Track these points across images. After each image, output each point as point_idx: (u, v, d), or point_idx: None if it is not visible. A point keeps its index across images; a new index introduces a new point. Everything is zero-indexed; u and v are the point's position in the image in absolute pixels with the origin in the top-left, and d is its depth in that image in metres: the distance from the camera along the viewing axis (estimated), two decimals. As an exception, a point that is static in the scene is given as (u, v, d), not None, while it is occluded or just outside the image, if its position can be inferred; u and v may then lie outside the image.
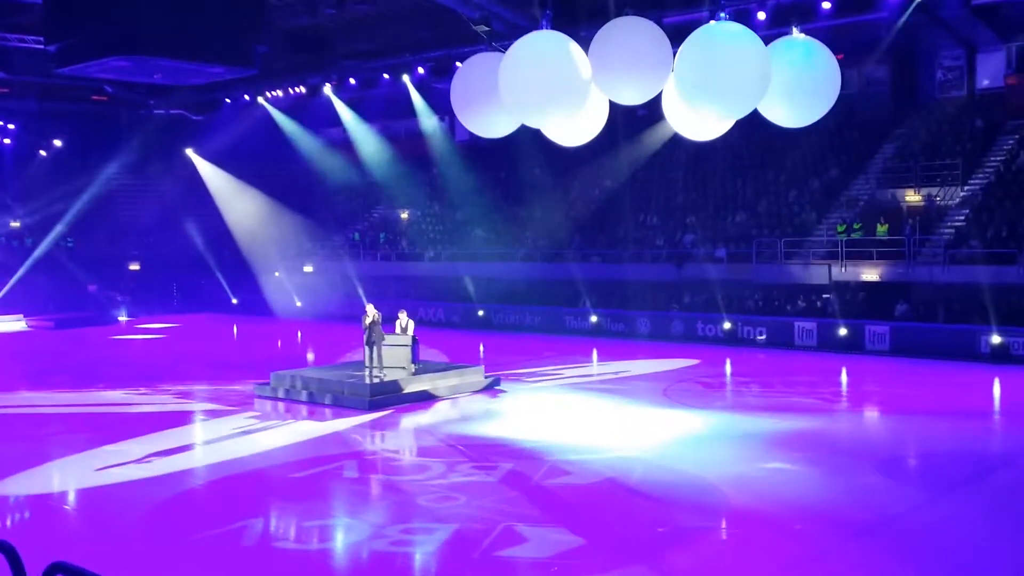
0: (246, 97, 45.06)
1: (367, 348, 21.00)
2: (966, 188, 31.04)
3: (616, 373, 25.04)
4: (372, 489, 14.01)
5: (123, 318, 42.33)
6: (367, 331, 20.91)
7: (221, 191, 47.01)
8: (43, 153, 48.66)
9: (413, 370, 21.26)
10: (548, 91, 15.40)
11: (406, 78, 40.48)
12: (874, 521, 11.76)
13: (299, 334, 36.60)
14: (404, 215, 44.75)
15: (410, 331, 21.96)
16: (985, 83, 34.28)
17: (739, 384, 23.73)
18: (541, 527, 11.69)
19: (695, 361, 26.72)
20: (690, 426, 17.80)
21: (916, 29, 32.70)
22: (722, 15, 15.01)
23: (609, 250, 35.86)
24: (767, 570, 10.25)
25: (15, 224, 47.22)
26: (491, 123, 16.99)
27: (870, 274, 29.95)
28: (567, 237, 36.86)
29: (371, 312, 20.97)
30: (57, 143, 48.50)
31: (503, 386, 22.10)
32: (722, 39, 14.48)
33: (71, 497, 13.87)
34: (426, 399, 20.37)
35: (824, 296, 29.94)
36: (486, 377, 22.12)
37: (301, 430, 18.06)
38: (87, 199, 45.31)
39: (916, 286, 29.09)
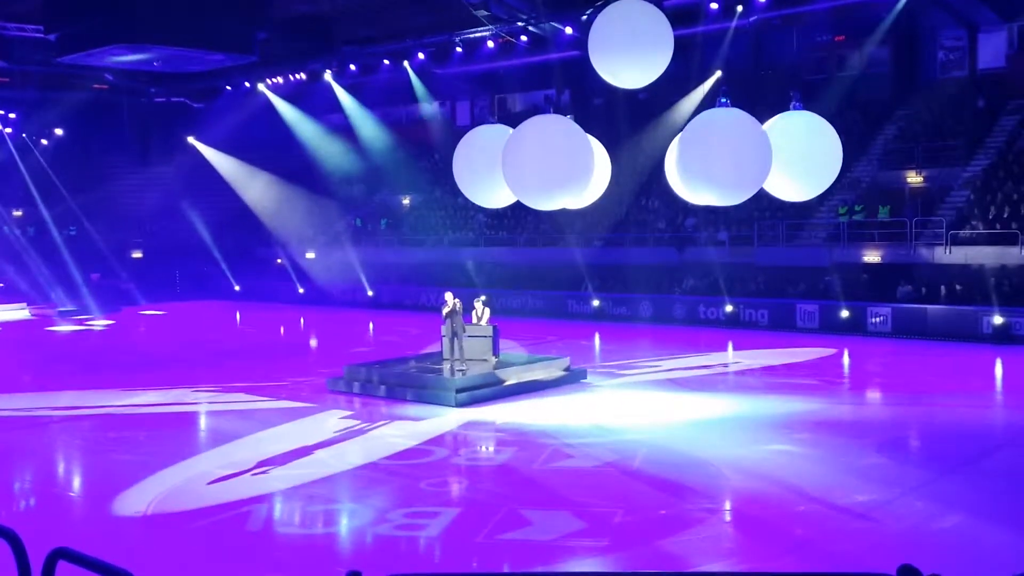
0: (246, 84, 45.08)
1: (447, 340, 19.67)
2: (968, 169, 31.00)
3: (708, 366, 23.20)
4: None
5: (66, 308, 39.46)
6: (447, 321, 19.52)
7: (231, 175, 47.01)
8: (44, 142, 48.67)
9: (495, 362, 20.07)
10: (555, 184, 15.96)
11: (406, 64, 40.45)
12: (876, 502, 11.81)
13: (302, 322, 36.64)
14: (405, 201, 44.76)
15: (485, 320, 20.68)
16: (986, 63, 34.20)
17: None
18: (543, 510, 11.76)
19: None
20: (691, 409, 17.86)
21: (917, 10, 32.66)
22: (723, 100, 15.32)
23: (611, 234, 35.87)
24: (769, 552, 10.30)
25: (17, 213, 47.29)
26: (495, 199, 17.65)
27: (872, 256, 29.96)
28: (568, 221, 36.86)
29: (451, 301, 19.50)
30: (58, 132, 48.50)
31: (588, 379, 20.68)
32: (722, 134, 14.86)
33: (205, 520, 11.71)
34: (514, 393, 18.86)
35: (826, 278, 29.96)
36: (571, 369, 20.72)
37: (410, 431, 16.34)
38: (89, 187, 45.32)
39: (918, 267, 29.12)
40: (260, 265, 45.77)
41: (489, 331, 20.38)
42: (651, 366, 22.98)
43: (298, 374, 22.62)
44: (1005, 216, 28.25)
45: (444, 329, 19.78)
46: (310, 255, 43.47)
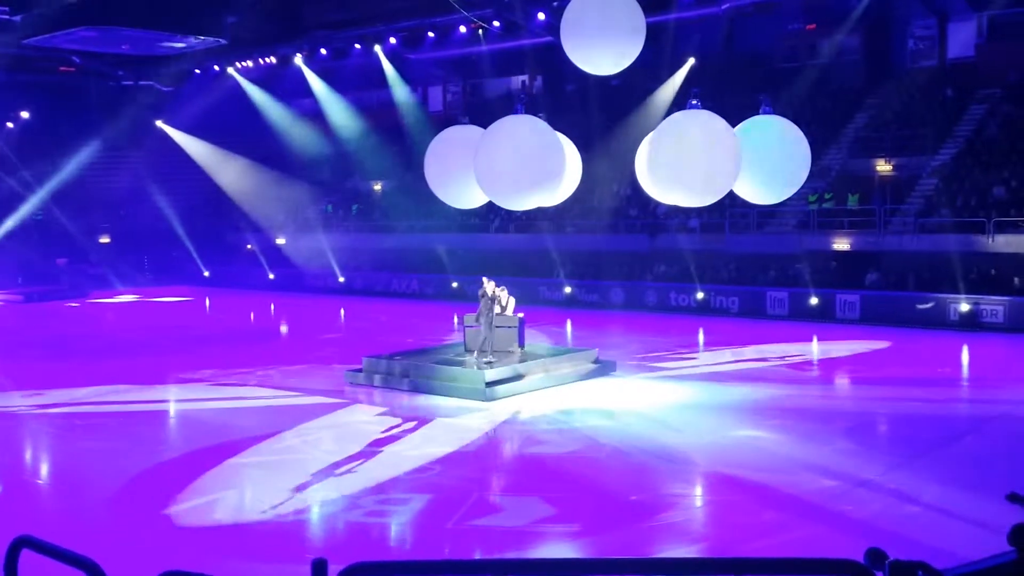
0: (216, 68, 44.59)
1: (474, 329, 18.81)
2: (936, 157, 31.25)
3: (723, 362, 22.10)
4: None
5: None
6: (482, 310, 18.57)
7: (201, 160, 46.55)
8: (10, 125, 47.95)
9: (521, 354, 19.26)
10: (528, 186, 15.99)
11: (378, 48, 40.18)
12: (843, 487, 11.93)
13: (271, 308, 36.45)
14: (377, 186, 44.54)
15: (510, 310, 19.64)
16: (956, 53, 34.45)
17: (711, 351, 23.88)
18: (516, 496, 11.79)
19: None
20: (663, 395, 17.94)
21: (888, -1, 32.83)
22: (694, 102, 15.39)
23: (583, 221, 35.89)
24: (737, 537, 10.38)
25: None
26: (468, 199, 17.60)
27: (841, 243, 30.17)
28: (540, 208, 36.79)
29: (489, 289, 18.57)
30: (24, 115, 47.80)
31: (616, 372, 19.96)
32: (695, 137, 14.96)
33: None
34: (544, 386, 18.13)
35: (796, 265, 30.14)
36: (600, 361, 19.94)
37: (453, 427, 15.64)
38: (56, 171, 44.72)
39: (886, 255, 29.34)
40: (230, 250, 45.44)
41: (515, 321, 19.52)
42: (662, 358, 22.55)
43: (305, 363, 21.85)
44: (973, 204, 28.52)
45: (470, 318, 18.82)
46: (280, 241, 43.20)
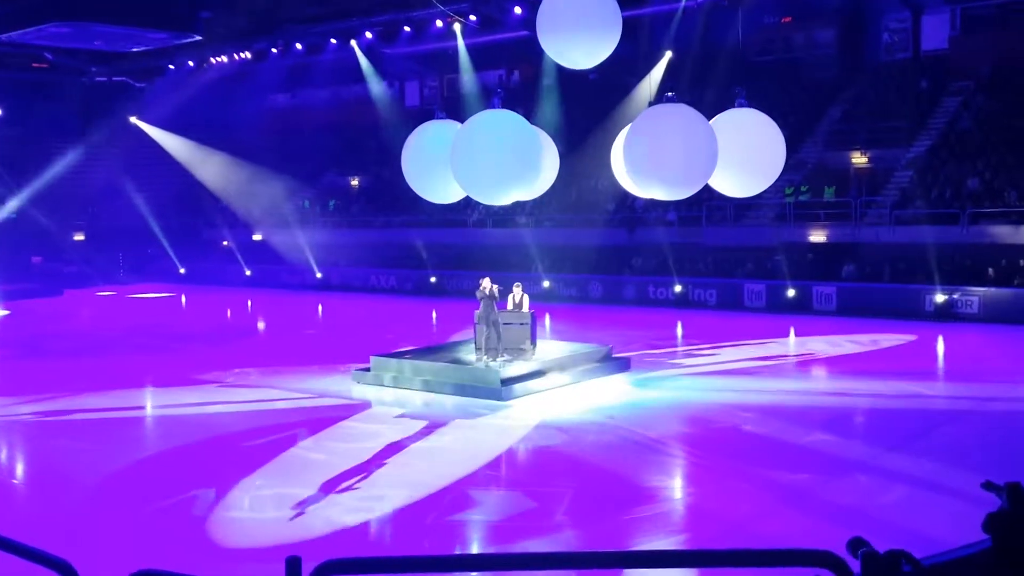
0: (190, 63, 44.24)
1: (483, 327, 18.25)
2: (911, 150, 31.45)
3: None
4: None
5: None
6: (483, 307, 18.20)
7: (176, 156, 46.21)
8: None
9: (533, 352, 18.86)
10: (506, 181, 15.94)
11: (354, 43, 39.98)
12: (821, 478, 11.99)
13: (253, 305, 36.26)
14: (354, 182, 44.37)
15: (525, 306, 19.25)
16: (930, 45, 34.67)
17: (689, 344, 23.94)
18: (494, 490, 11.77)
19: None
20: (639, 389, 17.96)
21: (863, -9, 32.99)
22: (670, 94, 15.39)
23: (561, 215, 35.89)
24: (716, 530, 10.41)
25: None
26: (445, 194, 17.51)
27: (817, 236, 30.33)
28: (518, 203, 36.76)
29: (486, 286, 18.21)
30: (-3, 112, 47.32)
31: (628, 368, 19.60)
32: (668, 130, 14.96)
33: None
34: (560, 384, 17.73)
35: (773, 258, 30.27)
36: (615, 357, 19.61)
37: (495, 428, 15.23)
38: (30, 169, 44.26)
39: (862, 247, 29.52)
40: (206, 247, 45.15)
41: (527, 318, 18.96)
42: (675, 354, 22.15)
43: (309, 364, 21.29)
44: (947, 196, 28.73)
45: (477, 316, 18.47)
46: (257, 237, 42.95)
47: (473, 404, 16.57)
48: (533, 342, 19.02)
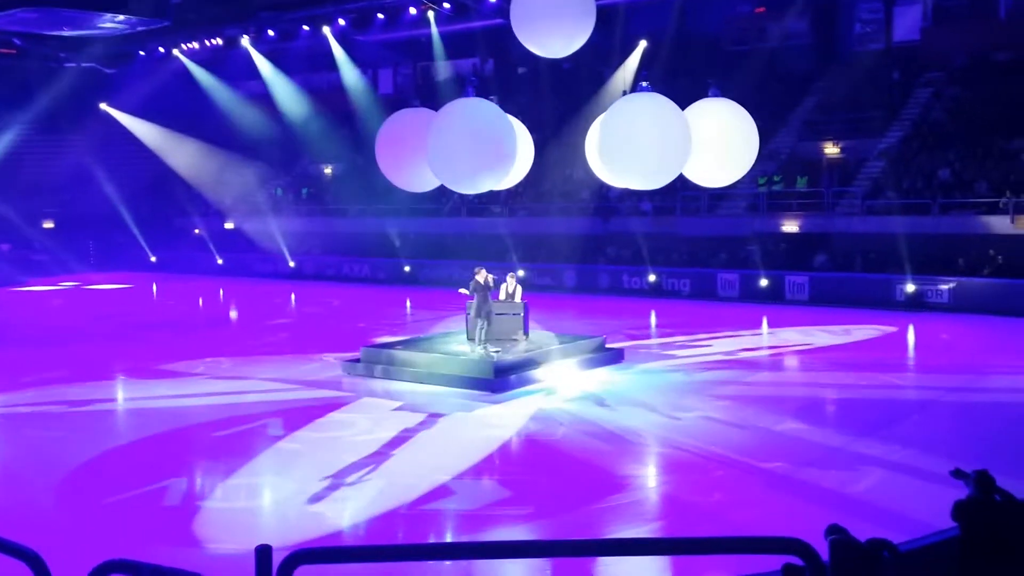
0: (161, 50, 43.73)
1: (476, 318, 18.07)
2: (883, 140, 31.65)
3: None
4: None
5: None
6: (477, 298, 18.01)
7: (147, 143, 45.74)
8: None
9: (526, 342, 18.66)
10: (480, 170, 15.84)
11: (326, 30, 39.68)
12: (793, 467, 12.05)
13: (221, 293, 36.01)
14: (328, 170, 44.11)
15: (518, 297, 19.15)
16: (902, 36, 34.86)
17: (663, 334, 24.00)
18: (469, 479, 11.75)
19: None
20: (614, 376, 17.99)
21: (836, -18, 33.10)
22: (644, 84, 15.35)
23: (535, 204, 35.86)
24: (689, 518, 10.45)
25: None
26: (419, 183, 17.42)
27: (790, 225, 30.49)
28: (493, 192, 36.71)
29: (480, 275, 17.98)
30: (-37, 97, 46.61)
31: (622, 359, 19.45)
32: (641, 122, 14.92)
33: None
34: (555, 375, 17.52)
35: (747, 247, 30.41)
36: (608, 348, 19.54)
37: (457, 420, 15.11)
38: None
39: (834, 237, 29.71)
40: (177, 235, 44.77)
41: (520, 308, 18.87)
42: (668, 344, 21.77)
43: (296, 353, 21.07)
44: (919, 187, 28.95)
45: (470, 306, 18.31)
46: (229, 225, 42.63)
47: (461, 395, 16.48)
48: (526, 333, 18.90)
